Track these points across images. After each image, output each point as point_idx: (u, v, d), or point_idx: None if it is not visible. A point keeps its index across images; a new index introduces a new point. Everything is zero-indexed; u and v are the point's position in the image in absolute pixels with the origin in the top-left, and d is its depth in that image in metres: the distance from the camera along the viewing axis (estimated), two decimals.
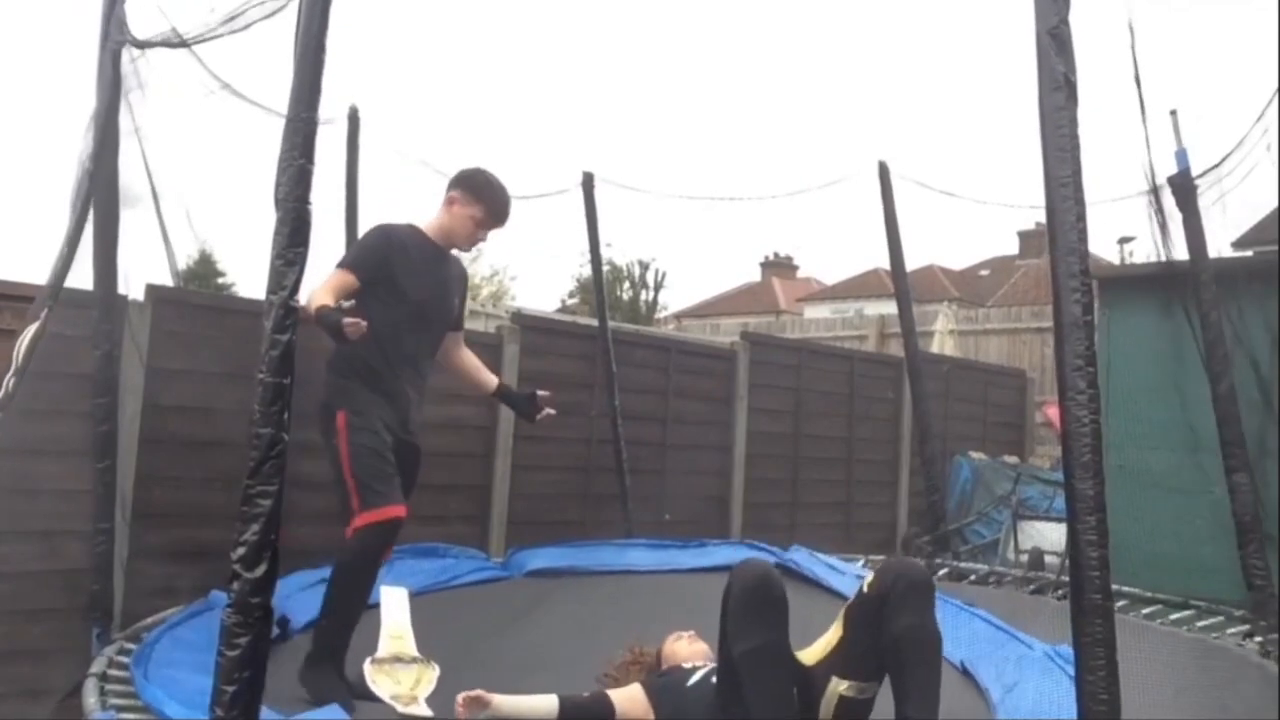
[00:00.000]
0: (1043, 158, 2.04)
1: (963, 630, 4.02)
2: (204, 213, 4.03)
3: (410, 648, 3.76)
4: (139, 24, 3.63)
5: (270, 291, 2.08)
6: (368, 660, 3.60)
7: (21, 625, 3.98)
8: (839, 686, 2.78)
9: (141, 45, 3.59)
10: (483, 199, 3.73)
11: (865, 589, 2.85)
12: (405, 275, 3.63)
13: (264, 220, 2.14)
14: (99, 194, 3.75)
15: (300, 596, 4.09)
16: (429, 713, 3.29)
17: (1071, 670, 3.16)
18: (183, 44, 3.39)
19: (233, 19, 2.99)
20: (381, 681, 3.53)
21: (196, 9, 3.25)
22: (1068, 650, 3.39)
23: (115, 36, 3.64)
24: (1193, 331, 4.50)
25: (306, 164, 2.12)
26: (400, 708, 3.33)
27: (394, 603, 4.04)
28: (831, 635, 2.89)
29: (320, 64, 2.17)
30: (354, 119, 5.53)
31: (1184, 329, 4.64)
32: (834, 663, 2.83)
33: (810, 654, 2.90)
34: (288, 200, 2.09)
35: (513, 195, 3.91)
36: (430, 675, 3.61)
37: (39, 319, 3.55)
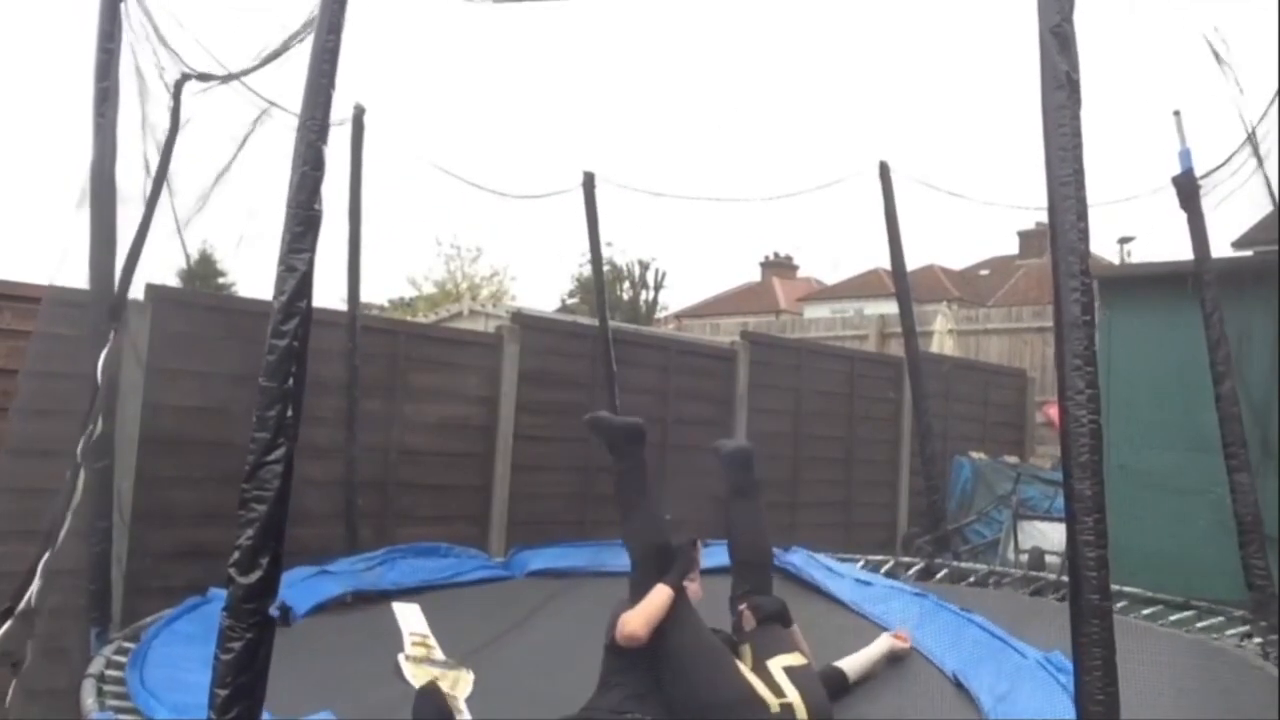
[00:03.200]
0: (1045, 156, 2.04)
1: (957, 637, 4.02)
2: (207, 213, 4.03)
3: (438, 652, 3.80)
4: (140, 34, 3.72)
5: (275, 295, 2.06)
6: (401, 655, 3.62)
7: (21, 624, 3.97)
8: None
9: (203, 78, 3.77)
10: None
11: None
12: None
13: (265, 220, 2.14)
14: (98, 194, 3.74)
15: (302, 586, 4.11)
16: (469, 717, 3.27)
17: (1063, 678, 3.19)
18: (232, 77, 3.58)
19: (282, 48, 3.13)
20: (419, 674, 3.56)
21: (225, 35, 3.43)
22: (1059, 658, 3.43)
23: (180, 71, 3.78)
24: (1216, 328, 4.41)
25: (311, 170, 2.09)
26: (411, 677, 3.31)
27: (409, 615, 4.06)
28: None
29: (332, 73, 2.16)
30: (358, 119, 5.50)
31: (1190, 327, 4.61)
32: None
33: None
34: (293, 204, 2.07)
35: (515, 195, 3.85)
36: (467, 679, 3.62)
37: (108, 340, 3.67)
